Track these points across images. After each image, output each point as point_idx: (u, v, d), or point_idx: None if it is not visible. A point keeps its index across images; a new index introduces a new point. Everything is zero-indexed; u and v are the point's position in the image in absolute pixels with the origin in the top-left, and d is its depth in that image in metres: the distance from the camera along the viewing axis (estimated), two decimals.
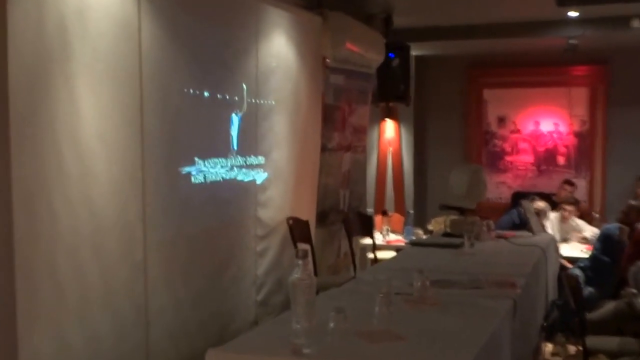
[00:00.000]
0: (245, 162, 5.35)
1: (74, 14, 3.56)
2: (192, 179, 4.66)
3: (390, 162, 10.06)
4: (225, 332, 5.00)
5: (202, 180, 4.77)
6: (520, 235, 5.62)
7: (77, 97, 3.59)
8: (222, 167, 5.00)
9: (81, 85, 3.62)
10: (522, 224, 6.21)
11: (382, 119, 9.92)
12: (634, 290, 5.24)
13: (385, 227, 8.09)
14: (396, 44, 8.47)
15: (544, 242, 5.42)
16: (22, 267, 3.26)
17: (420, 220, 8.92)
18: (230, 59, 5.15)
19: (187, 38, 4.58)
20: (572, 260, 6.96)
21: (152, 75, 4.19)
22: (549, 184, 10.13)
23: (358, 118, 7.75)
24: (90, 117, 3.69)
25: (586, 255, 6.86)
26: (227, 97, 5.07)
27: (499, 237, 5.52)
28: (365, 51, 7.34)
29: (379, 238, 7.77)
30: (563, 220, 7.84)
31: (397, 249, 7.35)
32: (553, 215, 7.74)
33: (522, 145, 10.64)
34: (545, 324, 4.92)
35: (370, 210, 8.80)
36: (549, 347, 5.99)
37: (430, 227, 7.89)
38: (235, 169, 5.20)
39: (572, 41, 8.55)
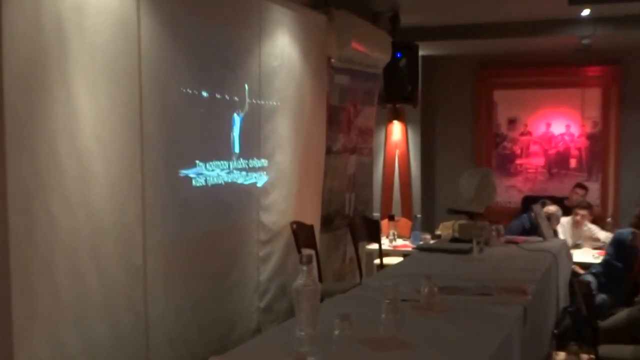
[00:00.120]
0: (248, 165, 5.35)
1: (71, 11, 3.55)
2: (193, 181, 4.66)
3: (397, 165, 10.06)
4: (226, 340, 4.99)
5: (203, 183, 4.76)
6: (530, 241, 5.60)
7: (75, 97, 3.59)
8: (223, 169, 5.00)
9: (78, 84, 3.61)
10: (533, 229, 6.20)
11: (389, 120, 9.92)
12: None
13: (392, 232, 8.07)
14: (403, 44, 8.44)
15: (555, 248, 5.40)
16: (18, 270, 3.26)
17: (428, 224, 8.90)
18: (233, 59, 5.15)
19: (188, 36, 4.58)
20: (585, 266, 6.93)
21: (151, 75, 4.19)
22: (561, 187, 10.11)
23: (364, 120, 7.74)
24: (88, 117, 3.69)
25: (599, 261, 6.84)
26: (229, 97, 5.07)
27: (509, 242, 5.50)
28: (372, 51, 7.34)
29: (385, 243, 7.75)
30: (576, 224, 7.80)
31: (404, 255, 7.35)
32: (565, 220, 7.71)
33: (533, 147, 10.63)
34: (556, 332, 4.91)
35: (376, 214, 8.78)
36: (560, 356, 5.97)
37: (438, 232, 7.83)
38: (237, 171, 5.19)
39: (585, 41, 8.53)
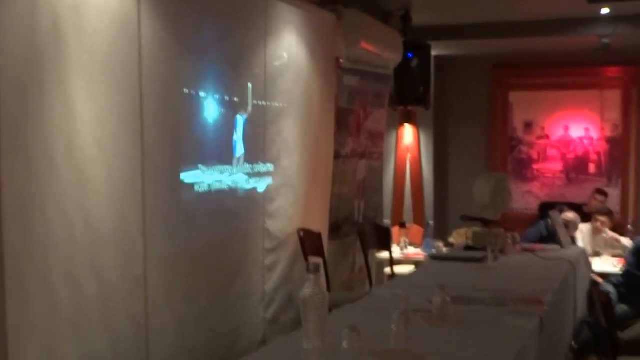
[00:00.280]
0: (253, 170, 5.34)
1: (69, 10, 3.56)
2: (196, 187, 4.65)
3: (409, 169, 10.05)
4: (230, 353, 4.99)
5: (206, 190, 4.76)
6: (548, 249, 5.59)
7: (73, 99, 3.59)
8: (227, 174, 5.00)
9: (77, 85, 3.62)
10: (550, 237, 6.18)
11: (400, 123, 9.92)
12: None
13: (403, 240, 8.07)
14: (415, 43, 8.44)
15: (573, 256, 5.39)
16: (13, 280, 3.26)
17: (440, 232, 8.90)
18: (237, 59, 5.15)
19: (191, 36, 4.58)
20: (604, 275, 6.91)
21: (152, 76, 4.19)
22: (579, 193, 10.08)
23: (374, 122, 7.74)
24: (87, 121, 3.69)
25: (618, 269, 6.81)
26: (233, 99, 5.07)
27: (525, 250, 5.50)
28: (382, 51, 7.33)
29: (396, 251, 7.75)
30: (595, 232, 7.78)
31: (416, 263, 7.34)
32: (584, 227, 7.69)
33: (551, 152, 10.60)
34: (574, 344, 4.88)
35: (387, 221, 8.78)
36: None
37: (451, 239, 7.87)
38: (241, 176, 5.19)
39: (604, 40, 8.51)
